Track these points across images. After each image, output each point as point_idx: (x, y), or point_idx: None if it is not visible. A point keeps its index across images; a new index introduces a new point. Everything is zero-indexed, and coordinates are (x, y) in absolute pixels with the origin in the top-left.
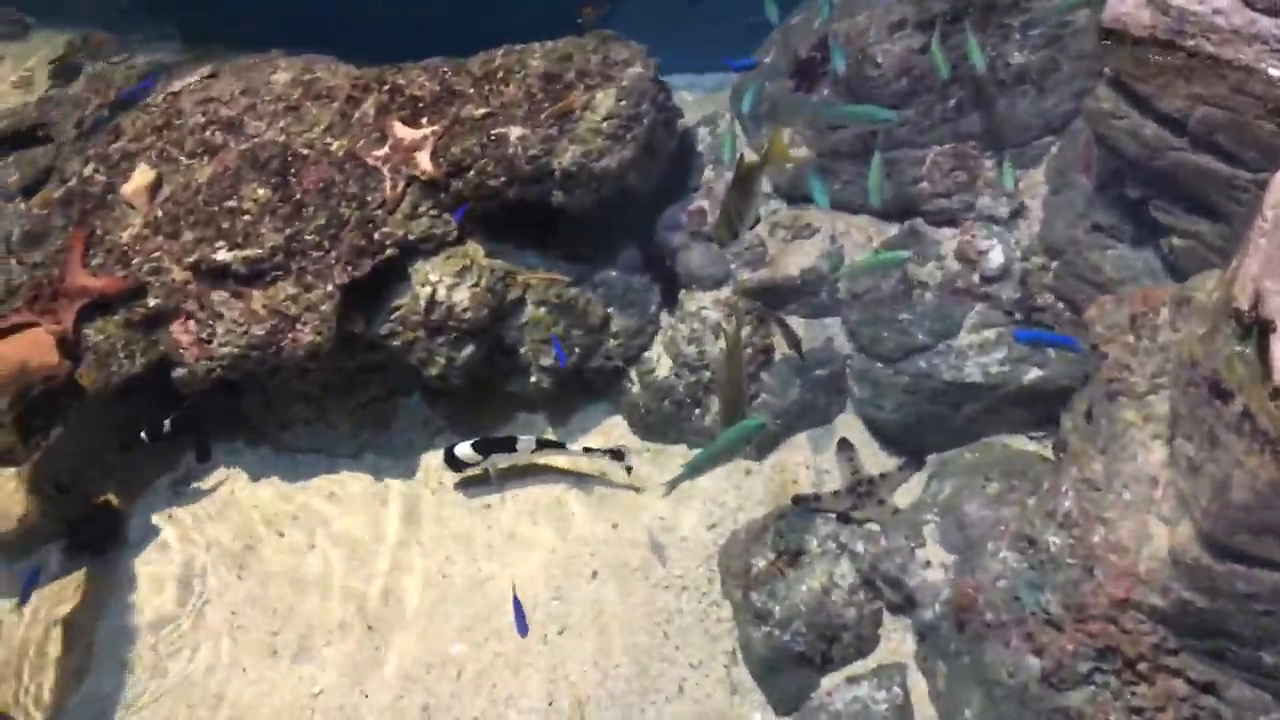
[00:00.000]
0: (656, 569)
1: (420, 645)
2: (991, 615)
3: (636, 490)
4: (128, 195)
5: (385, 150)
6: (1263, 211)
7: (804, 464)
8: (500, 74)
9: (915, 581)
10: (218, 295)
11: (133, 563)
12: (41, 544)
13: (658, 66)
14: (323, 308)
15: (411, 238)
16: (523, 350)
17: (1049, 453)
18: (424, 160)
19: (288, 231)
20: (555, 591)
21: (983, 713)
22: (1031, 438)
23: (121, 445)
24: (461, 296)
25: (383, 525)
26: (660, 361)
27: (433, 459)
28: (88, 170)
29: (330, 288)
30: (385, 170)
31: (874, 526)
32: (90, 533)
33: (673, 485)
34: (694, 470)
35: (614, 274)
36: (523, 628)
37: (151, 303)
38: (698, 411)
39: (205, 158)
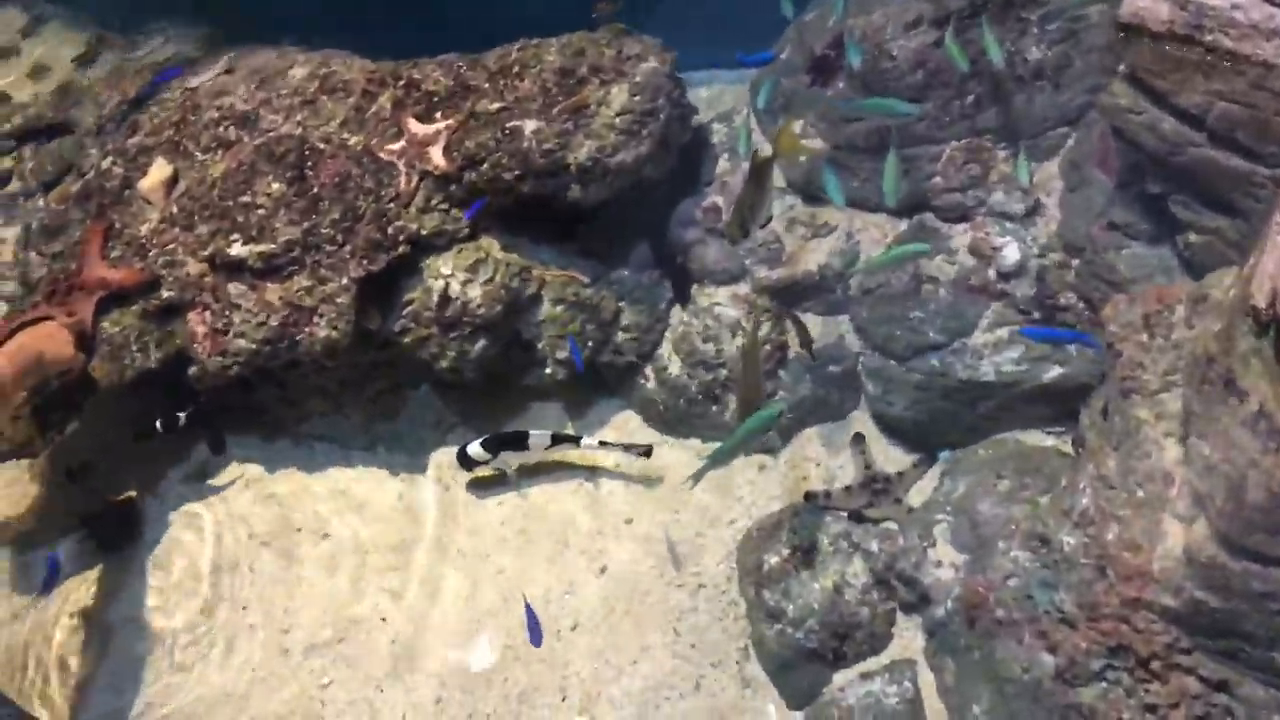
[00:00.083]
0: (669, 568)
1: (437, 643)
2: (1003, 613)
3: (654, 483)
4: (144, 191)
5: (400, 144)
6: None
7: (816, 460)
8: (515, 69)
9: (929, 580)
10: (234, 288)
11: (149, 557)
12: (56, 538)
13: (674, 61)
14: (339, 300)
15: (424, 232)
16: (540, 345)
17: (1066, 447)
18: (436, 155)
19: (304, 225)
20: (568, 586)
21: (993, 708)
22: (1049, 433)
23: (136, 437)
24: (475, 292)
25: (401, 521)
26: (672, 358)
27: (444, 455)
28: (106, 164)
29: (346, 280)
30: (400, 164)
31: (889, 525)
32: (107, 528)
33: (697, 478)
34: (716, 462)
35: (626, 269)
36: (536, 638)
37: (165, 294)
38: (715, 408)
39: (221, 152)
